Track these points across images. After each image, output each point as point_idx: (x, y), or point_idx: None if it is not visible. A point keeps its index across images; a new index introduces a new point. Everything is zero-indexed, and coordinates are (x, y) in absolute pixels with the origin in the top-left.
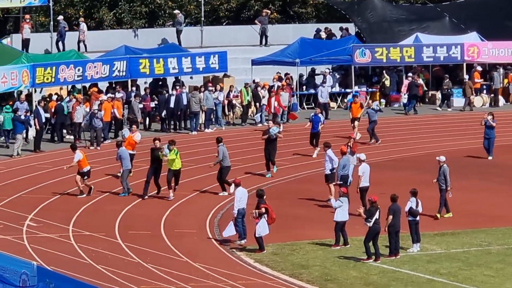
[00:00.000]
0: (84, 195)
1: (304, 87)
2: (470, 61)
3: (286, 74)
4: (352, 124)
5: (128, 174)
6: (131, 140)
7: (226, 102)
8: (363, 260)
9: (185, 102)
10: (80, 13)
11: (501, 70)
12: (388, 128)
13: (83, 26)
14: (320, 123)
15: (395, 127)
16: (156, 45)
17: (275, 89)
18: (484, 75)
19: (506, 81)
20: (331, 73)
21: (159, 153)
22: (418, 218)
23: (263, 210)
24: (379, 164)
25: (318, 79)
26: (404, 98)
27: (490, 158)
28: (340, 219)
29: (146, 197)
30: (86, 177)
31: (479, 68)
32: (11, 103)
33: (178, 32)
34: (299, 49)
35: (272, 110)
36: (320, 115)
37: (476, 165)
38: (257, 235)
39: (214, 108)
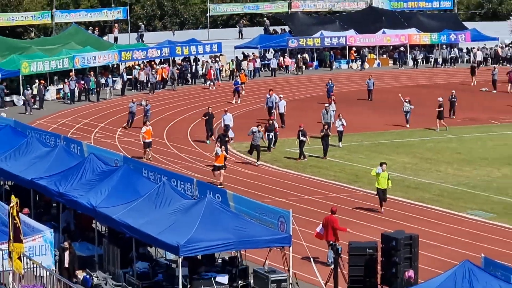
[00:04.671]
0: None
1: (262, 60)
2: (350, 45)
3: (253, 53)
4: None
5: None
6: (222, 157)
7: (221, 68)
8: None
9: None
10: (144, 23)
11: (366, 50)
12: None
13: (143, 27)
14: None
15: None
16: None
17: (250, 59)
18: (358, 52)
19: (371, 55)
20: (276, 53)
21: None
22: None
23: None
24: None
25: (269, 55)
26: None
27: (370, 100)
28: None
29: None
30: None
31: (354, 49)
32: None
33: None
34: (259, 40)
35: (251, 68)
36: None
37: (361, 102)
38: None
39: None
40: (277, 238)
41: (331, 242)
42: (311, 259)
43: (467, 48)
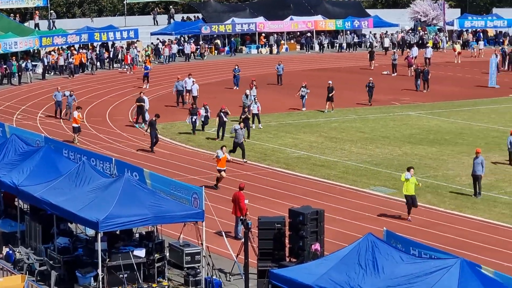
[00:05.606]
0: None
1: (178, 46)
2: (259, 31)
3: (168, 39)
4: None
5: None
6: (224, 160)
7: (138, 53)
8: None
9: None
10: (63, 10)
11: (274, 36)
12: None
13: (54, 15)
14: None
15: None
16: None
17: (166, 44)
18: (267, 37)
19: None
20: (190, 38)
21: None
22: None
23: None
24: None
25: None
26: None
27: (280, 84)
28: None
29: None
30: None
31: (263, 35)
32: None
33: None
34: (174, 26)
35: (167, 54)
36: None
37: (271, 86)
38: None
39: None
40: (191, 214)
41: (241, 217)
42: (223, 233)
43: (370, 34)
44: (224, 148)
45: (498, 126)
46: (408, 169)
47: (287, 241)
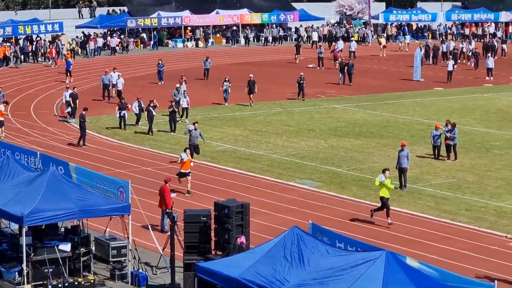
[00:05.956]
0: None
1: (103, 39)
2: (185, 25)
3: (94, 33)
4: None
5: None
6: (188, 163)
7: (63, 47)
8: None
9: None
10: None
11: (201, 29)
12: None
13: None
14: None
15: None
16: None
17: (91, 38)
18: (193, 31)
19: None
20: (116, 32)
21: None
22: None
23: None
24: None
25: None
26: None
27: (206, 78)
28: None
29: None
30: None
31: (189, 28)
32: None
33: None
34: (99, 20)
35: (92, 47)
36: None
37: (197, 80)
38: None
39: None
40: (117, 207)
41: (167, 211)
42: (149, 226)
43: (301, 27)
44: (187, 150)
45: (423, 119)
46: (383, 171)
47: (212, 234)
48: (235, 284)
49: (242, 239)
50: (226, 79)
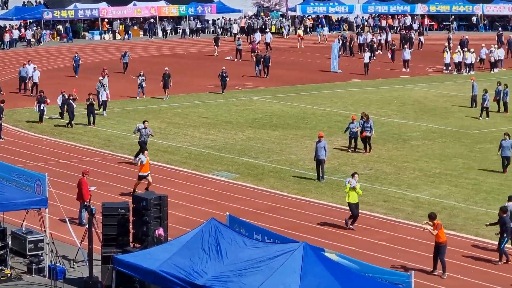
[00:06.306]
0: None
1: (19, 31)
2: (102, 17)
3: (9, 24)
4: None
5: None
6: (147, 165)
7: None
8: None
9: None
10: None
11: (118, 22)
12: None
13: None
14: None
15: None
16: None
17: (7, 30)
18: (111, 23)
19: (121, 26)
20: (31, 24)
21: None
22: None
23: None
24: None
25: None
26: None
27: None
28: None
29: None
30: None
31: (106, 20)
32: None
33: None
34: (15, 11)
35: (7, 39)
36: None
37: (115, 73)
38: None
39: None
40: (34, 201)
41: (85, 203)
42: (67, 219)
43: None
44: (146, 152)
45: (341, 110)
46: (353, 175)
47: (131, 226)
48: (153, 277)
49: (160, 231)
50: (141, 73)
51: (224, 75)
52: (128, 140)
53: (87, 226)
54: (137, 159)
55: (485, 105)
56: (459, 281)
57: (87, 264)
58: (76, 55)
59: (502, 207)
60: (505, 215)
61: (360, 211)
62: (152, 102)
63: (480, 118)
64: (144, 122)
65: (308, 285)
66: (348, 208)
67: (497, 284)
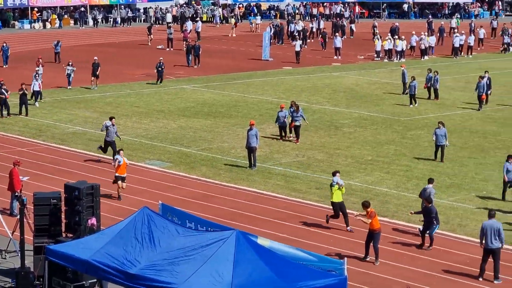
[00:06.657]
0: None
1: None
2: (32, 5)
3: None
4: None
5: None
6: (124, 166)
7: None
8: None
9: None
10: None
11: (50, 11)
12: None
13: None
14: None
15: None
16: None
17: None
18: (41, 12)
19: (53, 16)
20: None
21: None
22: None
23: None
24: None
25: None
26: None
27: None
28: None
29: None
30: None
31: (36, 9)
32: None
33: None
34: None
35: None
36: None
37: (48, 63)
38: None
39: None
40: None
41: (16, 194)
42: None
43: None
44: (121, 152)
45: (272, 98)
46: (334, 174)
47: (63, 216)
48: (86, 266)
49: (93, 220)
50: (70, 63)
51: (161, 67)
52: (59, 130)
53: (18, 216)
54: (114, 158)
55: (412, 92)
56: (390, 267)
57: (19, 254)
58: (5, 44)
59: (426, 196)
60: (430, 205)
61: (292, 198)
62: (83, 92)
63: (411, 105)
64: (111, 118)
65: (241, 273)
66: (331, 207)
67: (429, 269)
